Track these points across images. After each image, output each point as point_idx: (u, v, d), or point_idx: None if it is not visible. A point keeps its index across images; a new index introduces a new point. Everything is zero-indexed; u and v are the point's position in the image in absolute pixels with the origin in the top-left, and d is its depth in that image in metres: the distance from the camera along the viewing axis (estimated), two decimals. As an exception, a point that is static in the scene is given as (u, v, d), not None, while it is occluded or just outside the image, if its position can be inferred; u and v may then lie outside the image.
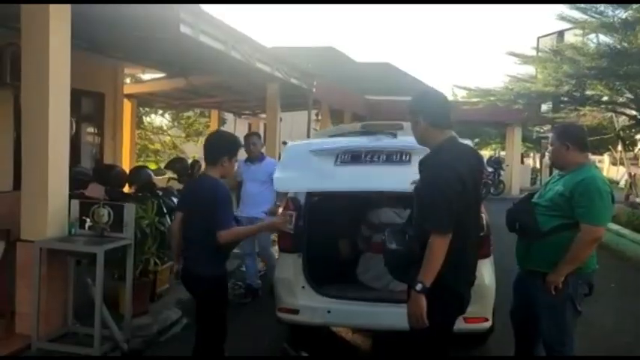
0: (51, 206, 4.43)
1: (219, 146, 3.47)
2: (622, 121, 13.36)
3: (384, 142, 4.19)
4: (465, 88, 14.90)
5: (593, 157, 22.99)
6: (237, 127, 19.17)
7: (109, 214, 4.53)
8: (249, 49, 6.92)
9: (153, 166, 16.80)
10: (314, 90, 10.78)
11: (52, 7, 4.33)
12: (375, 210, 4.70)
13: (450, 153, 2.71)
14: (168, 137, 20.03)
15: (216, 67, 8.48)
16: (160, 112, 18.91)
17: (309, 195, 4.32)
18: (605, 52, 8.95)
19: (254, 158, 6.12)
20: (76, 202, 4.65)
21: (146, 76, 13.56)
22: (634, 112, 10.18)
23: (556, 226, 3.22)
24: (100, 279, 4.26)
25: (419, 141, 2.92)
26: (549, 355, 3.38)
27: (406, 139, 3.86)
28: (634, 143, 12.28)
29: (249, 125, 21.36)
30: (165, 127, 20.21)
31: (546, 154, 3.90)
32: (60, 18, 4.43)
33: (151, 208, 5.29)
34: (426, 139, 2.87)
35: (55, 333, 4.51)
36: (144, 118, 18.64)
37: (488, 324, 4.00)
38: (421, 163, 2.82)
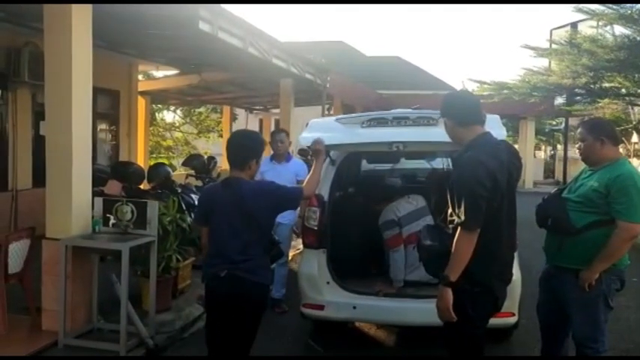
0: (75, 204, 4.47)
1: (248, 149, 3.21)
2: (638, 112, 13.23)
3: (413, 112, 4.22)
4: (478, 82, 14.81)
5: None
6: (248, 122, 19.23)
7: (132, 211, 4.55)
8: (265, 45, 6.93)
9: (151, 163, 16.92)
10: (328, 85, 10.77)
11: (75, 6, 4.35)
12: (390, 205, 4.70)
13: (480, 149, 2.72)
14: (180, 134, 20.12)
15: (231, 63, 8.51)
16: (172, 108, 18.97)
17: (333, 191, 4.32)
18: (624, 43, 8.86)
19: (280, 157, 5.58)
20: (99, 200, 4.68)
21: (158, 73, 13.61)
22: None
23: (590, 223, 3.17)
24: (125, 276, 4.28)
25: (452, 140, 2.94)
26: (580, 351, 3.34)
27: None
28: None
29: (261, 121, 21.41)
30: (177, 124, 20.29)
31: (577, 148, 3.86)
32: (82, 17, 4.46)
33: (172, 205, 5.31)
34: (456, 138, 2.91)
35: (80, 329, 4.55)
36: (156, 114, 18.73)
37: (514, 319, 3.99)
38: (453, 161, 2.83)
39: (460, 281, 2.61)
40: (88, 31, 4.57)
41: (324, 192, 4.25)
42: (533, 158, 23.04)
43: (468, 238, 2.58)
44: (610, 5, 8.89)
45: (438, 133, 3.32)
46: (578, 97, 11.76)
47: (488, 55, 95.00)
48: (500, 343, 4.41)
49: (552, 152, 28.68)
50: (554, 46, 10.97)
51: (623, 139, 20.98)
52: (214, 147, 19.53)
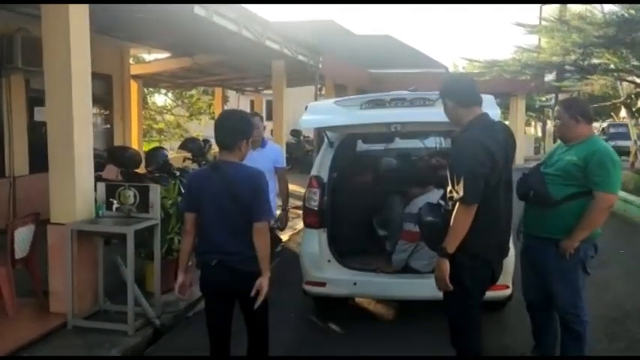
0: (78, 189, 4.55)
1: (237, 129, 3.07)
2: (625, 87, 13.38)
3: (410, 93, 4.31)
4: (469, 60, 14.88)
5: (595, 124, 23.12)
6: (239, 104, 19.21)
7: (135, 195, 4.65)
8: (259, 28, 6.96)
9: (145, 147, 16.89)
10: (320, 66, 10.81)
11: (72, -8, 4.39)
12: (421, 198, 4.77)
13: (479, 129, 2.85)
14: (172, 117, 20.07)
15: (224, 46, 8.51)
16: (163, 91, 18.90)
17: (332, 172, 4.43)
18: (613, 20, 8.97)
19: (255, 143, 5.06)
20: (102, 185, 4.77)
21: (149, 57, 13.56)
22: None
23: (569, 195, 3.36)
24: (131, 258, 4.40)
25: (451, 121, 3.06)
26: (562, 319, 3.53)
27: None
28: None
29: (252, 102, 21.37)
30: (168, 107, 20.23)
31: (553, 126, 4.12)
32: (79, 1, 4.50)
33: (173, 188, 5.41)
34: (456, 119, 3.03)
35: (87, 311, 4.67)
36: (147, 98, 18.67)
37: (508, 291, 4.16)
38: (452, 141, 2.95)
39: (459, 254, 2.75)
40: (85, 15, 4.62)
41: (324, 174, 4.37)
42: (524, 134, 23.25)
43: (466, 212, 2.72)
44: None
45: (435, 114, 3.46)
46: (568, 74, 11.88)
47: (480, 33, 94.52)
48: (495, 314, 4.59)
49: (543, 127, 28.93)
50: (543, 23, 11.05)
51: (612, 114, 21.31)
52: (207, 129, 19.52)
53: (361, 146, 6.64)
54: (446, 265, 2.77)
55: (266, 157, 4.98)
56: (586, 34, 9.30)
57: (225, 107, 17.51)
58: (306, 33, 12.46)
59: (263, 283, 2.94)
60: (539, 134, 29.59)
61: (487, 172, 2.74)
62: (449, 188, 2.86)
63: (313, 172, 4.46)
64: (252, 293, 2.91)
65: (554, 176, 3.44)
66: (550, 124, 26.10)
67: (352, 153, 6.11)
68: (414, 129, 4.32)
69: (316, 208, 4.27)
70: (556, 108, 3.74)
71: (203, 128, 20.25)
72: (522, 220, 3.67)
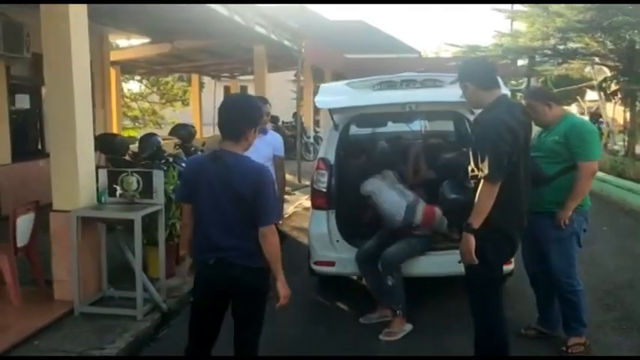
0: (81, 176, 4.53)
1: (247, 116, 2.80)
2: (597, 71, 13.75)
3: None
4: (452, 45, 15.11)
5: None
6: (215, 90, 19.03)
7: (138, 181, 4.63)
8: (249, 14, 6.93)
9: (133, 133, 16.66)
10: (303, 51, 10.82)
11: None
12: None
13: (500, 109, 2.97)
14: (147, 104, 19.80)
15: (207, 31, 8.45)
16: (138, 78, 18.61)
17: (338, 154, 4.50)
18: (592, 7, 9.21)
19: (260, 129, 5.08)
20: (104, 171, 4.74)
21: (125, 43, 13.34)
22: (615, 63, 10.53)
23: (559, 170, 3.65)
24: (138, 244, 4.40)
25: (472, 104, 3.18)
26: (558, 288, 3.77)
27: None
28: (614, 93, 12.70)
29: (227, 88, 21.18)
30: (144, 94, 19.94)
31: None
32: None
33: (172, 174, 5.40)
34: (477, 101, 3.16)
35: (92, 297, 4.66)
36: (123, 85, 18.35)
37: (511, 266, 4.30)
38: (474, 122, 3.06)
39: (483, 230, 2.86)
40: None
41: (330, 156, 4.43)
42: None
43: (491, 189, 2.84)
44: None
45: (446, 94, 3.61)
46: (546, 58, 12.16)
47: (459, 18, 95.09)
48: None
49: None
50: (523, 8, 11.25)
51: (577, 97, 21.85)
52: (182, 116, 19.31)
53: (353, 130, 6.72)
54: (472, 240, 2.88)
55: (267, 144, 4.91)
56: (567, 19, 9.52)
57: (202, 93, 17.40)
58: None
59: (279, 287, 2.77)
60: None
61: (510, 150, 2.86)
62: (470, 167, 2.96)
63: (320, 154, 4.52)
64: (276, 301, 2.76)
65: (542, 157, 3.68)
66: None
67: (347, 136, 6.18)
68: (428, 109, 4.39)
69: (325, 190, 4.34)
70: (523, 102, 4.03)
71: (178, 115, 20.05)
72: None
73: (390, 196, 4.23)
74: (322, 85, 4.55)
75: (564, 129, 3.65)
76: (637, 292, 4.97)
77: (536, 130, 3.97)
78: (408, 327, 4.11)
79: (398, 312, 4.05)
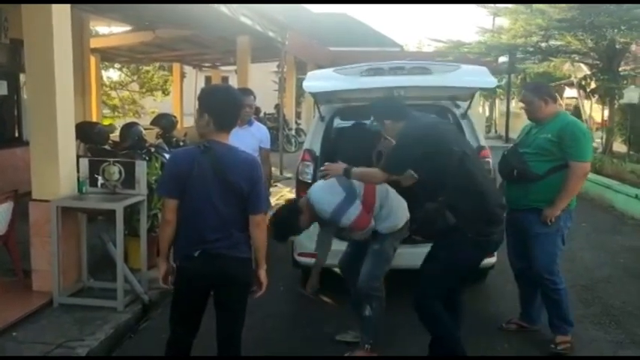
0: (62, 165, 4.44)
1: (235, 107, 2.78)
2: (576, 68, 13.95)
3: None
4: (435, 40, 15.19)
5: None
6: (197, 80, 18.85)
7: (120, 171, 4.57)
8: (235, 5, 6.86)
9: (106, 122, 16.38)
10: (287, 42, 10.75)
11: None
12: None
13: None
14: (127, 92, 19.52)
15: (190, 20, 8.33)
16: (118, 66, 18.33)
17: (324, 145, 4.47)
18: (574, 6, 9.31)
19: (243, 121, 4.85)
20: (85, 161, 4.66)
21: (105, 30, 13.12)
22: (595, 61, 10.68)
23: (550, 169, 3.65)
24: (120, 234, 4.35)
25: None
26: (541, 285, 3.80)
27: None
28: (593, 91, 12.89)
29: (208, 78, 21.01)
30: (124, 82, 19.65)
31: (520, 108, 4.45)
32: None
33: (154, 164, 5.33)
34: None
35: (72, 288, 4.59)
36: (102, 73, 18.06)
37: (493, 259, 4.33)
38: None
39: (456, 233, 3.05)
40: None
41: (316, 147, 4.41)
42: (479, 114, 23.91)
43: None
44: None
45: (435, 80, 3.70)
46: (528, 55, 12.28)
47: (441, 12, 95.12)
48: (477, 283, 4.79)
49: (490, 108, 29.79)
50: (508, 5, 11.34)
51: (556, 94, 22.19)
52: (163, 105, 19.10)
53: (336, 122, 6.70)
54: None
55: (253, 135, 4.88)
56: (548, 17, 9.61)
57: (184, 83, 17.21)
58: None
59: (262, 276, 2.84)
60: (487, 114, 30.44)
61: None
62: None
63: (305, 145, 4.50)
64: (256, 289, 2.86)
65: (533, 154, 3.71)
66: (498, 104, 26.95)
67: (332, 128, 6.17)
68: (416, 94, 4.33)
69: (310, 181, 4.32)
70: (522, 92, 4.01)
71: (159, 104, 19.82)
72: (506, 195, 3.85)
73: (322, 190, 3.59)
74: (310, 73, 4.50)
75: (558, 128, 3.66)
76: (615, 288, 5.07)
77: (525, 124, 4.01)
78: None
79: (366, 346, 3.61)
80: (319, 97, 4.59)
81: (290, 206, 3.67)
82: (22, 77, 8.04)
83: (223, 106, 2.75)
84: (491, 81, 3.78)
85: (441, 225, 3.07)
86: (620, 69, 11.98)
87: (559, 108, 3.95)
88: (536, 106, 3.76)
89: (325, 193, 3.45)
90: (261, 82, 18.47)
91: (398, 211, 3.57)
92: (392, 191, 3.61)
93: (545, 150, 3.67)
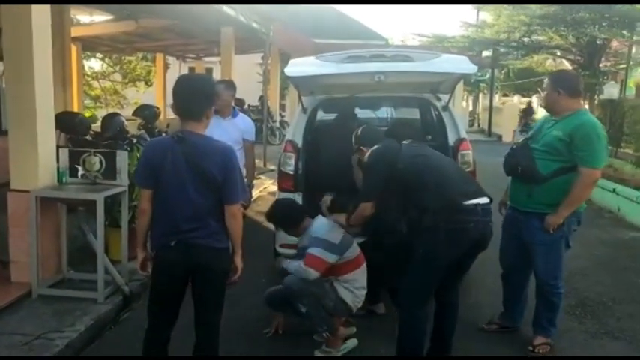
0: (41, 155, 4.41)
1: (205, 95, 2.80)
2: (558, 64, 14.10)
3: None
4: (420, 35, 15.26)
5: (522, 99, 24.22)
6: (180, 70, 18.69)
7: (101, 161, 4.54)
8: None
9: (88, 114, 16.18)
10: (271, 34, 10.71)
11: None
12: None
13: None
14: (109, 83, 19.28)
15: (173, 10, 8.26)
16: (100, 56, 18.08)
17: (305, 137, 4.49)
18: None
19: (226, 112, 4.88)
20: (65, 151, 4.62)
21: (86, 19, 12.91)
22: (576, 57, 10.82)
23: (556, 170, 3.40)
24: (100, 225, 4.33)
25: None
26: (541, 289, 3.68)
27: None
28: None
29: (192, 69, 20.80)
30: (106, 72, 19.39)
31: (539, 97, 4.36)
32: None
33: (136, 155, 5.30)
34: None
35: (51, 279, 4.57)
36: (84, 62, 17.80)
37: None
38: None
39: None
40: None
41: (298, 138, 4.43)
42: (462, 108, 24.08)
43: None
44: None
45: (416, 66, 3.76)
46: (510, 49, 12.40)
47: (425, 6, 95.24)
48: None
49: (474, 102, 30.01)
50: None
51: (539, 89, 22.47)
52: (146, 96, 18.90)
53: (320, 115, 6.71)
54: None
55: (237, 127, 4.86)
56: (531, 12, 9.70)
57: (167, 74, 17.04)
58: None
59: (237, 261, 2.87)
60: (470, 108, 30.67)
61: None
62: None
63: (288, 136, 4.51)
64: (232, 274, 2.89)
65: (540, 152, 3.47)
66: (482, 98, 27.11)
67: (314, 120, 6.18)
68: (397, 79, 4.30)
69: (292, 173, 4.33)
70: (545, 80, 3.71)
71: (142, 95, 19.60)
72: (508, 193, 3.77)
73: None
74: (292, 60, 4.45)
75: (570, 127, 3.35)
76: (589, 280, 5.17)
77: (540, 116, 3.93)
78: (351, 343, 3.75)
79: (325, 334, 3.65)
80: (301, 85, 4.56)
81: (285, 201, 4.05)
82: (0, 66, 7.91)
83: (185, 94, 2.77)
84: (471, 67, 3.75)
85: (411, 225, 3.20)
86: (600, 65, 12.15)
87: (579, 105, 3.58)
88: (549, 96, 3.51)
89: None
90: (246, 74, 18.35)
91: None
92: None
93: (554, 149, 3.40)
